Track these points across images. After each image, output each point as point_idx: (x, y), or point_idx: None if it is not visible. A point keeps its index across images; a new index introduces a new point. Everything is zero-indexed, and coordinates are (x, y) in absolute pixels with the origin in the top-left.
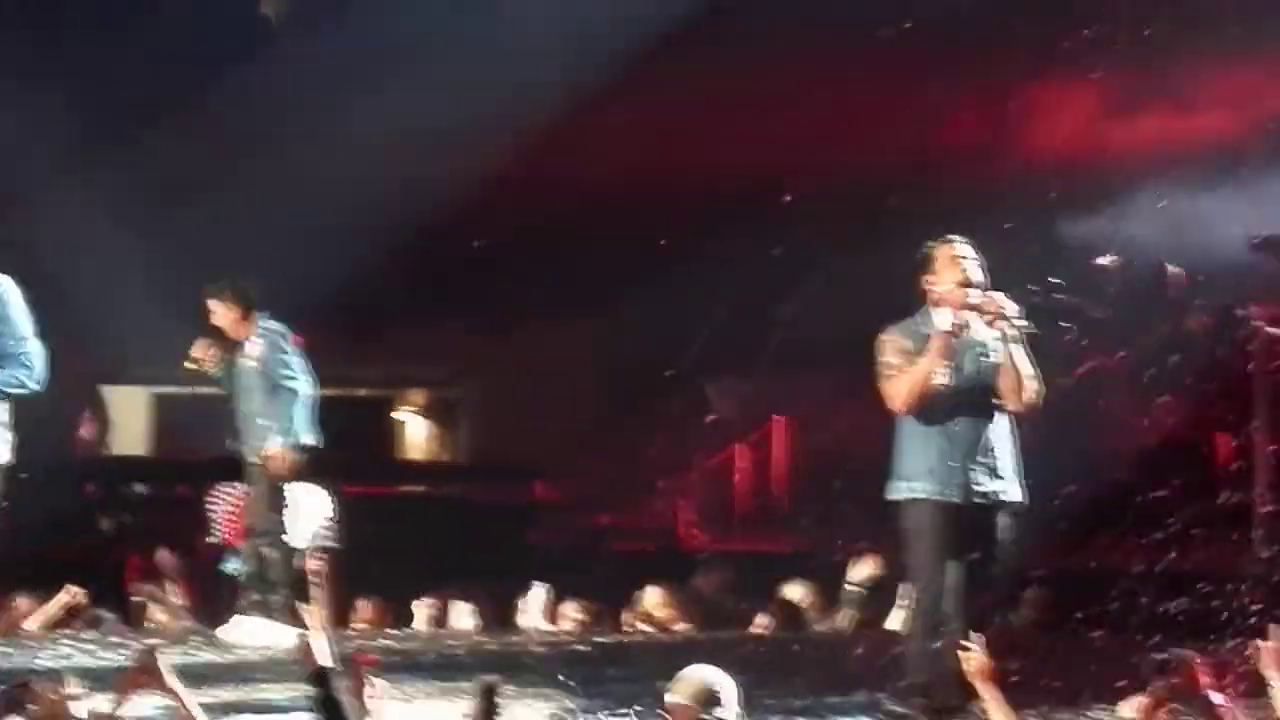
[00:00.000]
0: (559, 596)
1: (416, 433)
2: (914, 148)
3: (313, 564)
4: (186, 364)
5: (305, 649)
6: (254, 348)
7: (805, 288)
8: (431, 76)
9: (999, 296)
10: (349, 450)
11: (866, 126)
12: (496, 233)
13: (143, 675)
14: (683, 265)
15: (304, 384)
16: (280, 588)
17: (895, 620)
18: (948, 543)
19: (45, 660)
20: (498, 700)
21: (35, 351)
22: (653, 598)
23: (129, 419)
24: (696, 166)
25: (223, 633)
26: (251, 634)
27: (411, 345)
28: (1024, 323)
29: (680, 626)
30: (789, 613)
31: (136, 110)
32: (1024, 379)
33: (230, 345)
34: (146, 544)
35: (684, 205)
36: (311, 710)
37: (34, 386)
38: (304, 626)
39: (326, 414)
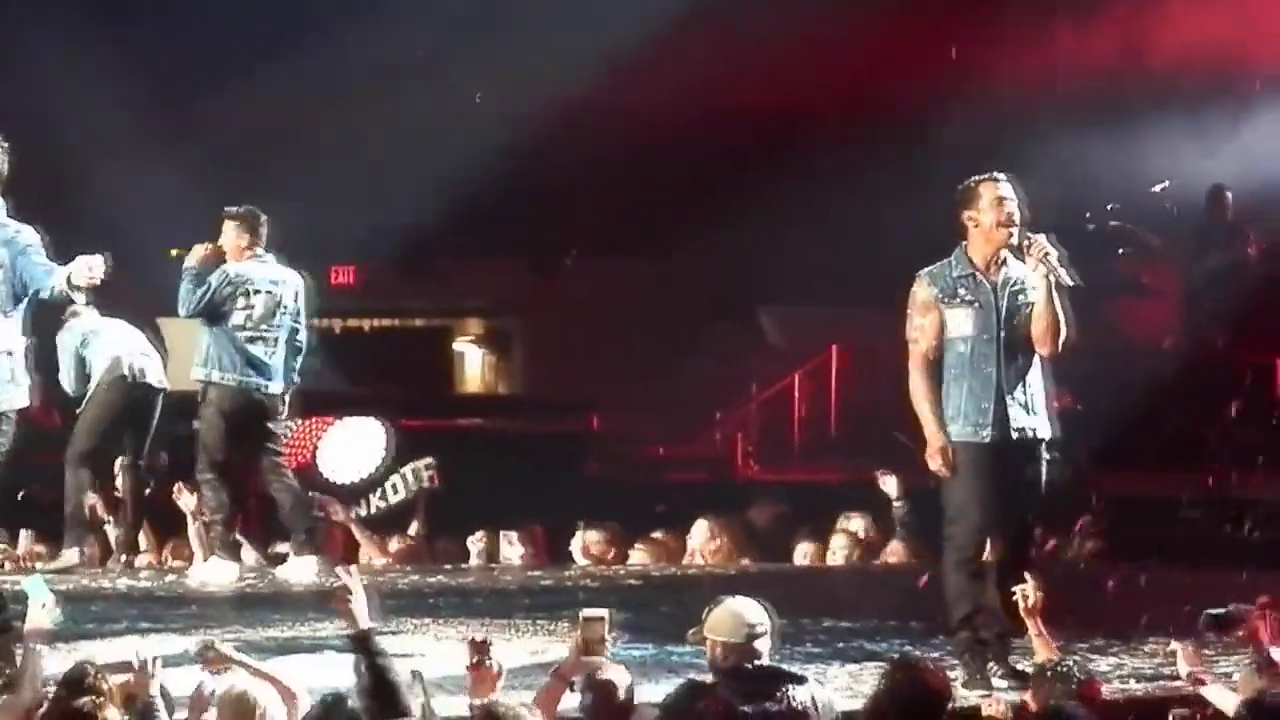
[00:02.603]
0: (613, 529)
1: (473, 364)
2: (966, 74)
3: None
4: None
5: (347, 612)
6: None
7: (861, 218)
8: (485, 8)
9: (1042, 239)
10: (405, 382)
11: (915, 54)
12: (553, 164)
13: (212, 664)
14: (739, 196)
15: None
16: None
17: None
18: (983, 481)
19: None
20: (606, 634)
21: None
22: (701, 531)
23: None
24: (751, 98)
25: (280, 570)
26: (303, 572)
27: (466, 277)
28: (1064, 270)
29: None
30: (850, 544)
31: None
32: (1060, 325)
33: None
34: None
35: (738, 137)
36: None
37: None
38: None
39: (383, 346)
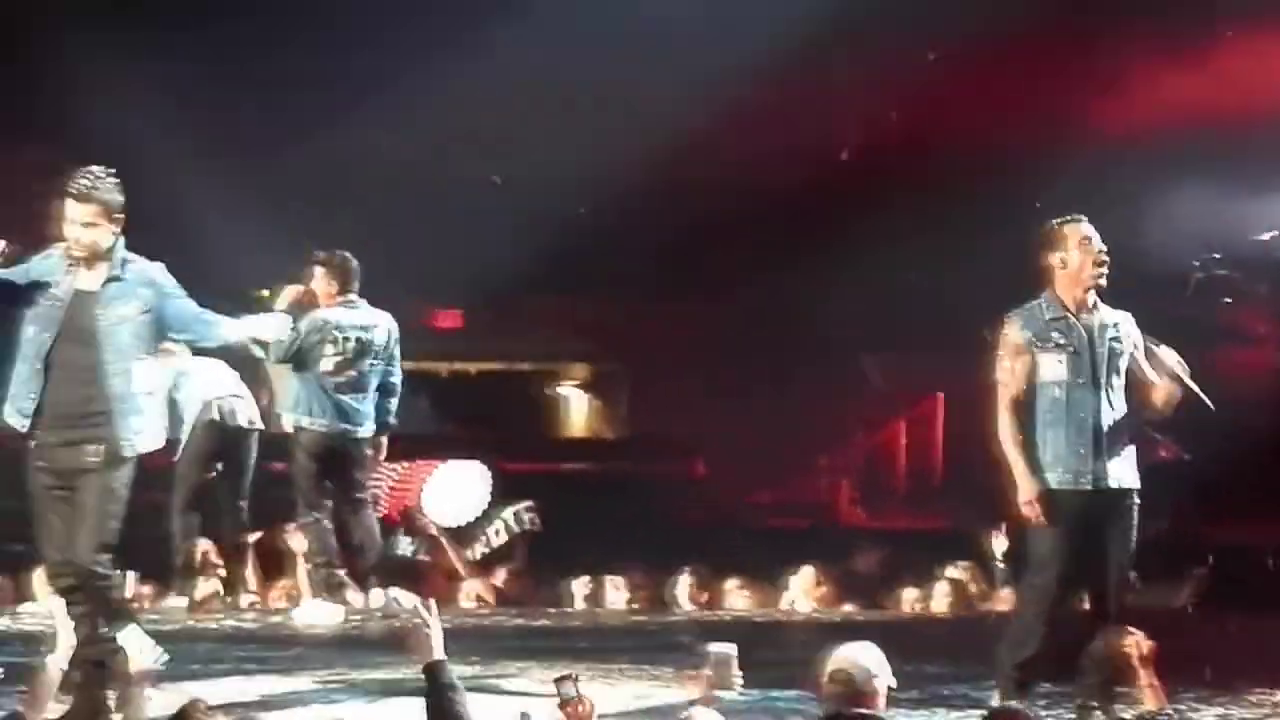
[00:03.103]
0: (716, 574)
1: (577, 408)
2: (1070, 120)
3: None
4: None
5: (420, 642)
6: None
7: (966, 263)
8: (590, 44)
9: (1172, 358)
10: (508, 426)
11: (1019, 99)
12: (658, 207)
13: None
14: (844, 240)
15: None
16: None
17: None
18: (1075, 531)
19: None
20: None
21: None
22: (805, 577)
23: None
24: (857, 142)
25: (294, 615)
26: (314, 614)
27: (569, 320)
28: (1196, 386)
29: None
30: (953, 592)
31: (285, 88)
32: (1152, 384)
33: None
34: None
35: (844, 181)
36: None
37: None
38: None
39: (487, 389)
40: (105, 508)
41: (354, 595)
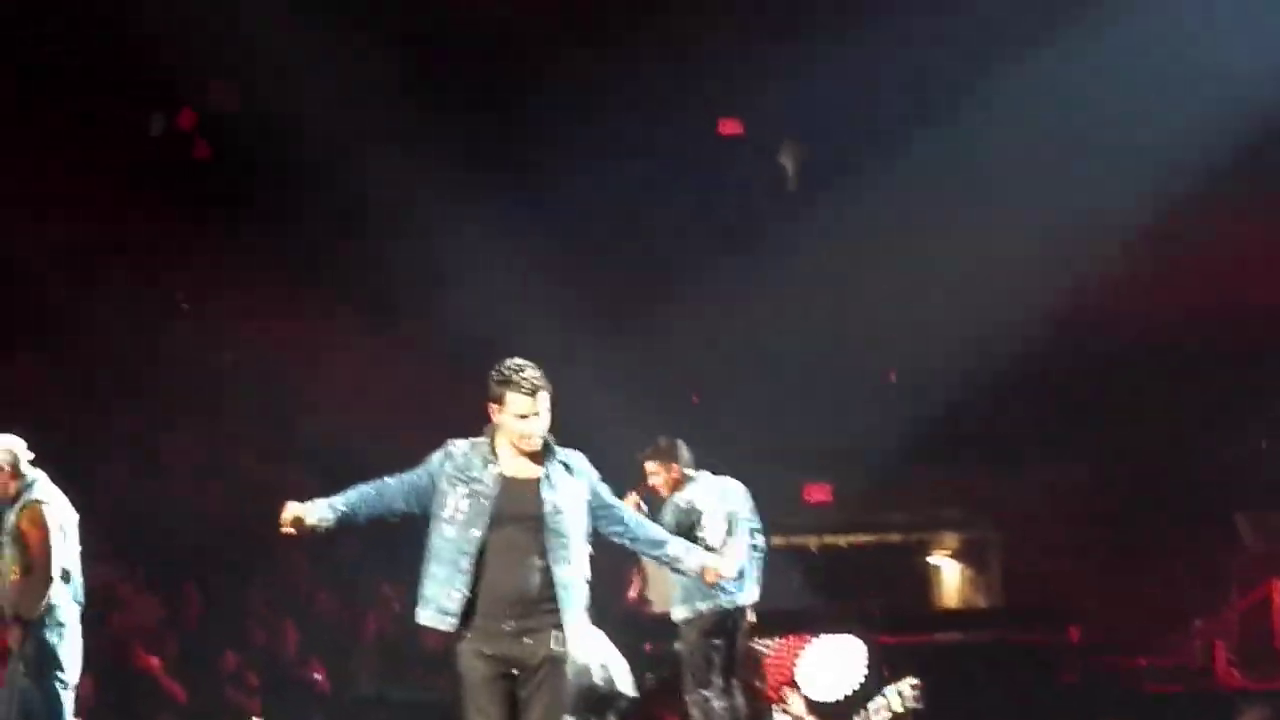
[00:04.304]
0: None
1: (950, 577)
2: None
3: None
4: None
5: None
6: None
7: None
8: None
9: None
10: (882, 598)
11: None
12: (1028, 377)
13: None
14: (1214, 402)
15: None
16: None
17: None
18: None
19: None
20: None
21: None
22: None
23: (664, 573)
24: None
25: None
26: None
27: (938, 489)
28: None
29: None
30: None
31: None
32: None
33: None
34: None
35: (1212, 343)
36: None
37: None
38: None
39: (859, 561)
40: (560, 699)
41: None
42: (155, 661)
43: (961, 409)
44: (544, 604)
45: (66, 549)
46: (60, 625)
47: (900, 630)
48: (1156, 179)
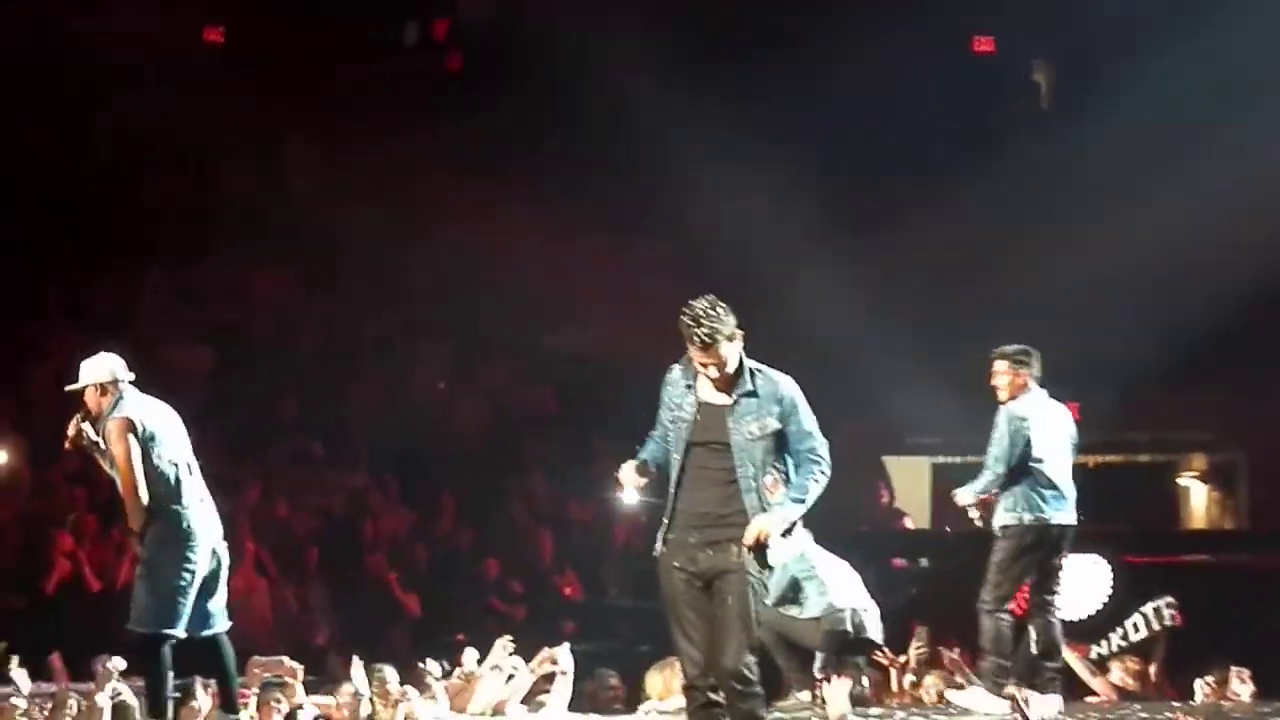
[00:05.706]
0: None
1: (1198, 499)
2: None
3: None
4: None
5: None
6: None
7: None
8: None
9: None
10: (1129, 519)
11: None
12: (1256, 291)
13: None
14: None
15: None
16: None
17: None
18: None
19: None
20: None
21: (820, 445)
22: None
23: (911, 489)
24: None
25: (953, 696)
26: (978, 702)
27: (1188, 410)
28: None
29: None
30: None
31: (906, 181)
32: None
33: None
34: (932, 614)
35: None
36: None
37: (824, 480)
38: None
39: (1105, 482)
40: (739, 610)
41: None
42: (392, 576)
43: (1211, 329)
44: (728, 519)
45: (165, 453)
46: (167, 532)
47: (1146, 551)
48: None
